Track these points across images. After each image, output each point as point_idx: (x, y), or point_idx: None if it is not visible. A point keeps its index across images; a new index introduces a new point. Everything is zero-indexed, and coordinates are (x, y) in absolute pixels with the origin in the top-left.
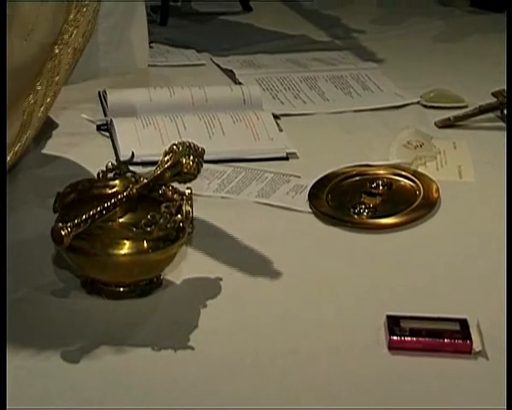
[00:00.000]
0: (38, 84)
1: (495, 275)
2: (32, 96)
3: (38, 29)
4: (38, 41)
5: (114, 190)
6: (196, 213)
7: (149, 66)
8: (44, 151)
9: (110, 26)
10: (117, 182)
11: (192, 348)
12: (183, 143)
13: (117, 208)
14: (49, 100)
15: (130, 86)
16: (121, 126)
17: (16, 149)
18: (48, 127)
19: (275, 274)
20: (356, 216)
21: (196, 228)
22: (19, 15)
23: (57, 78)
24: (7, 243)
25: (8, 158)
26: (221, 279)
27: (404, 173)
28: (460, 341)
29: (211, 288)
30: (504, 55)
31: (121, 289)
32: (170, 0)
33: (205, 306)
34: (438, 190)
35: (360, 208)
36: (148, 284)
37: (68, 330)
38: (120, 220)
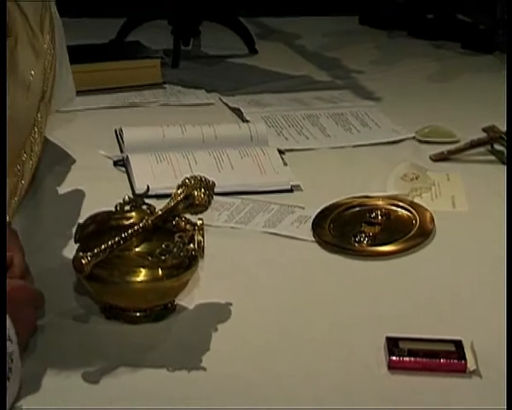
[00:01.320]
0: (32, 135)
1: (488, 299)
2: (24, 150)
3: (34, 84)
4: (34, 94)
5: (131, 221)
6: (207, 243)
7: (162, 105)
8: (66, 186)
9: None
10: (133, 214)
11: (204, 369)
12: (194, 177)
13: (133, 239)
14: (37, 148)
15: (144, 124)
16: (137, 162)
17: (13, 202)
18: (68, 164)
19: (281, 299)
20: (356, 244)
21: (207, 256)
22: (17, 71)
23: (43, 128)
24: (33, 273)
25: (10, 211)
26: (231, 304)
27: (401, 204)
28: (455, 361)
29: (222, 312)
30: (499, 92)
31: (137, 314)
32: (181, 44)
33: (216, 329)
34: (433, 219)
35: (360, 237)
36: (162, 310)
37: (89, 352)
38: (137, 250)
